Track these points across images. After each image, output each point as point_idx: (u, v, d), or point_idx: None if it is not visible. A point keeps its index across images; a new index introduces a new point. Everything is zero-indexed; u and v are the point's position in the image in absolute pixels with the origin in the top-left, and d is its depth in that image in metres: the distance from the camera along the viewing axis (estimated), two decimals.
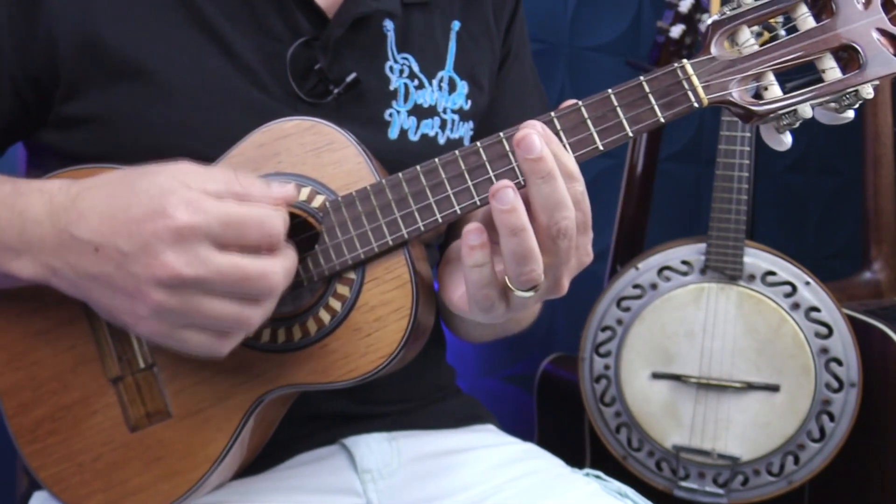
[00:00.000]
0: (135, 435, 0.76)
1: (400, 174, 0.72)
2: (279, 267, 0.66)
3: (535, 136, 0.65)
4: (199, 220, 0.62)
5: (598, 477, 0.91)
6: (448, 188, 0.71)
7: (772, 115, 0.69)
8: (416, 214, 0.72)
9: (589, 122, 0.69)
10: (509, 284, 0.67)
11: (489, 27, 0.97)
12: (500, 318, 0.71)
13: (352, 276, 0.74)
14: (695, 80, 0.69)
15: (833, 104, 0.69)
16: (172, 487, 0.75)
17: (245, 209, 0.65)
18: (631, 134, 0.69)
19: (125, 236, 0.64)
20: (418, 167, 0.72)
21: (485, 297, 0.68)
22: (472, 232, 0.65)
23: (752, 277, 1.52)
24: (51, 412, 0.77)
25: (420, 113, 0.89)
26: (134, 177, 0.67)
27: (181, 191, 0.64)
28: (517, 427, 1.09)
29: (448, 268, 0.77)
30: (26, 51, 0.79)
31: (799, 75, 0.71)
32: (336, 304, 0.74)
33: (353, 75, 0.84)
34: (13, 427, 0.77)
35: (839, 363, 1.48)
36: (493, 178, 0.70)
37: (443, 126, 0.91)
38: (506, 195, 0.64)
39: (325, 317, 0.74)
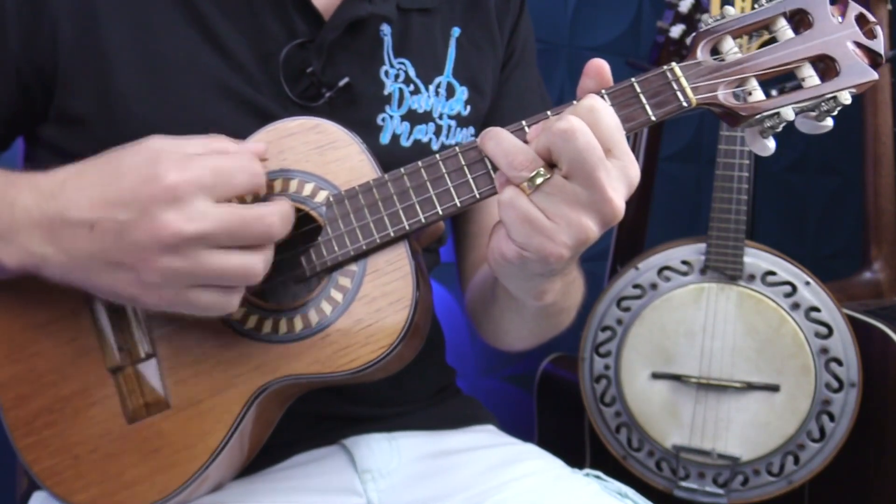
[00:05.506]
0: (133, 426, 0.76)
1: (402, 169, 0.74)
2: (274, 208, 0.68)
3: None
4: (190, 175, 0.64)
5: (598, 477, 0.91)
6: (448, 182, 0.73)
7: (756, 117, 0.72)
8: (418, 207, 0.73)
9: None
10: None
11: (492, 33, 0.97)
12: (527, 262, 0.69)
13: (353, 267, 0.75)
14: (683, 81, 0.72)
15: (812, 112, 0.73)
16: (168, 480, 0.75)
17: (228, 159, 0.67)
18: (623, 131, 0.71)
19: (122, 206, 0.65)
20: (419, 162, 0.73)
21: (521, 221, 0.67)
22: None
23: (752, 277, 1.52)
24: (48, 404, 0.76)
25: (414, 118, 0.89)
26: (116, 157, 0.68)
27: (165, 156, 0.65)
28: (517, 427, 1.09)
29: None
30: (32, 41, 0.79)
31: (782, 84, 0.75)
32: (337, 296, 0.74)
33: (345, 80, 0.84)
34: (9, 420, 0.77)
35: (839, 363, 1.48)
36: (492, 173, 0.72)
37: (437, 132, 0.91)
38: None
39: (327, 308, 0.74)
